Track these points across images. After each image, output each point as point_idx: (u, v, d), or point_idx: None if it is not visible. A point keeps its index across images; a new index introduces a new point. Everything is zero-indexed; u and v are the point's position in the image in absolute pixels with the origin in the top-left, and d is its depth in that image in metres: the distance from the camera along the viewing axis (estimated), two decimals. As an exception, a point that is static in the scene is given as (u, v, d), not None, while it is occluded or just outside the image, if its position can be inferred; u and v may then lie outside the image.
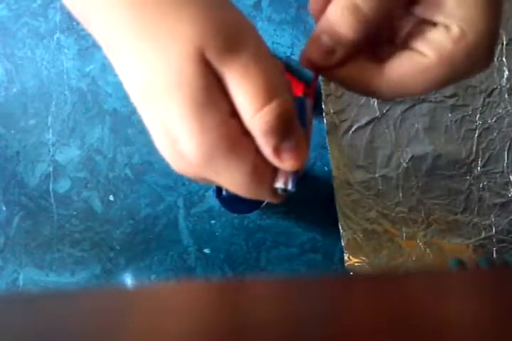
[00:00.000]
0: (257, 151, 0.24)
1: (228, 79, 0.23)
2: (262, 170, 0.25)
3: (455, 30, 0.23)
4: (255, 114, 0.23)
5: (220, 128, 0.23)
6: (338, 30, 0.24)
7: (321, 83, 0.59)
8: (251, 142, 0.24)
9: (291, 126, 0.23)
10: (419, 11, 0.25)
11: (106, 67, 0.63)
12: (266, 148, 0.24)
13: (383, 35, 0.27)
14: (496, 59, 0.56)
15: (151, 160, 0.64)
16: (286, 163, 0.24)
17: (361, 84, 0.25)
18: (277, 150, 0.24)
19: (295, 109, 0.24)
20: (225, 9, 0.23)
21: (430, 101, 0.58)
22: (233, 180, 0.25)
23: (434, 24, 0.24)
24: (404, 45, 0.25)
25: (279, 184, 0.25)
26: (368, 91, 0.26)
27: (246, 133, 0.24)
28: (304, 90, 0.59)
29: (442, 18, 0.24)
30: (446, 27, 0.24)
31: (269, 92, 0.22)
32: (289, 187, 0.25)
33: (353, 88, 0.26)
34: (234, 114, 0.23)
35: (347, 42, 0.24)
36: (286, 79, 0.24)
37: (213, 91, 0.23)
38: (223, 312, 0.16)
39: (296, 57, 0.61)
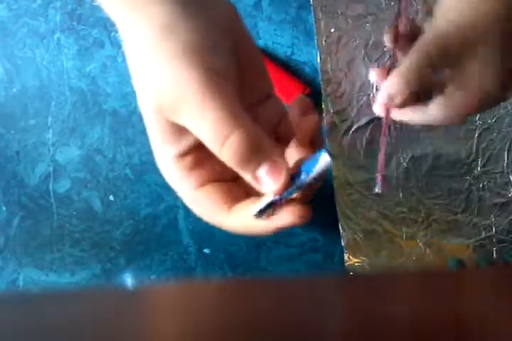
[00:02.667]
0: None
1: (190, 129, 0.25)
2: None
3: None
4: (219, 153, 0.24)
5: (168, 166, 0.27)
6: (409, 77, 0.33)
7: (321, 83, 0.59)
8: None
9: (258, 153, 0.24)
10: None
11: (106, 67, 0.63)
12: (245, 177, 0.25)
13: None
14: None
15: (151, 160, 0.64)
16: (266, 188, 0.25)
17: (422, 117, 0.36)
18: (255, 178, 0.25)
19: (258, 134, 0.25)
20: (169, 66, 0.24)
21: (430, 101, 0.58)
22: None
23: None
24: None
25: (255, 211, 0.25)
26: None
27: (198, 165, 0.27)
28: (303, 91, 0.59)
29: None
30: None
31: (221, 132, 0.24)
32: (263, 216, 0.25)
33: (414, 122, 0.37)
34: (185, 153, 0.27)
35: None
36: (241, 110, 0.25)
37: (166, 134, 0.26)
38: (223, 312, 0.16)
39: (296, 57, 0.61)
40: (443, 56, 0.32)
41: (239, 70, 0.26)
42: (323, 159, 0.25)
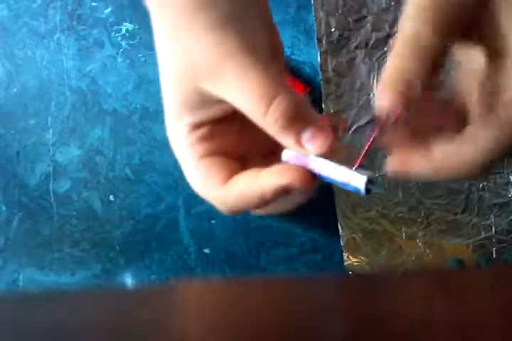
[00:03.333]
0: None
1: (230, 100, 0.24)
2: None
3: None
4: (264, 119, 0.24)
5: (179, 132, 0.27)
6: (409, 66, 0.24)
7: (322, 83, 0.59)
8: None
9: (303, 117, 0.24)
10: (471, 41, 0.24)
11: (106, 67, 0.63)
12: (289, 145, 0.24)
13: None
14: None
15: (151, 160, 0.64)
16: (312, 152, 0.24)
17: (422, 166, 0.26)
18: (300, 144, 0.24)
19: (301, 99, 0.24)
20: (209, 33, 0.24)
21: (430, 101, 0.58)
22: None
23: (504, 53, 0.23)
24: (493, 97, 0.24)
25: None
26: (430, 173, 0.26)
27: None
28: (304, 90, 0.59)
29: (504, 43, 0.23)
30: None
31: (266, 94, 0.24)
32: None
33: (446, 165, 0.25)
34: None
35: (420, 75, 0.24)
36: (282, 76, 0.25)
37: (188, 102, 0.26)
38: (223, 312, 0.16)
39: (296, 57, 0.61)
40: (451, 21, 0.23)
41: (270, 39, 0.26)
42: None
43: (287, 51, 0.61)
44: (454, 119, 0.26)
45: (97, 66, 0.64)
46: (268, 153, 0.28)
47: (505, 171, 0.58)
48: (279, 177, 0.24)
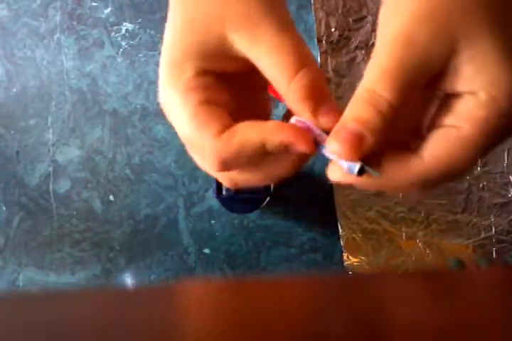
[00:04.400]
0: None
1: (255, 58, 0.24)
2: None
3: (482, 95, 0.23)
4: (290, 82, 0.24)
5: (180, 77, 0.25)
6: (363, 115, 0.24)
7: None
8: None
9: (324, 92, 0.25)
10: (441, 86, 0.24)
11: (106, 67, 0.63)
12: (304, 112, 0.25)
13: (410, 126, 0.26)
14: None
15: (151, 160, 0.64)
16: (324, 125, 0.25)
17: (400, 178, 0.25)
18: (315, 113, 0.24)
19: (322, 75, 0.25)
20: None
21: (430, 102, 0.58)
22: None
23: (459, 95, 0.23)
24: (433, 126, 0.25)
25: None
26: (409, 184, 0.25)
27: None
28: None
29: (466, 87, 0.23)
30: (473, 94, 0.23)
31: (298, 60, 0.24)
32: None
33: (393, 184, 0.25)
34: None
35: (374, 126, 0.23)
36: (309, 50, 0.25)
37: (197, 51, 0.25)
38: (223, 312, 0.16)
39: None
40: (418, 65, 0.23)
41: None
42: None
43: (287, 51, 0.61)
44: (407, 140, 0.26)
45: (97, 66, 0.64)
46: (258, 116, 0.27)
47: (505, 171, 0.58)
48: (285, 134, 0.24)
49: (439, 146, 0.24)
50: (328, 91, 0.25)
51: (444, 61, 0.23)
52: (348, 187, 0.60)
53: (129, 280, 0.65)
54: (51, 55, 0.64)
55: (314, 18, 0.58)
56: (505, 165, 0.57)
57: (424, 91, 0.25)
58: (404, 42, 0.23)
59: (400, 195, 0.59)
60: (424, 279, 0.19)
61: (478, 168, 0.58)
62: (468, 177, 0.58)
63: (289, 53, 0.24)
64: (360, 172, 0.24)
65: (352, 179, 0.25)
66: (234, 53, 0.25)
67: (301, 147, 0.24)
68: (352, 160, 0.24)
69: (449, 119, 0.24)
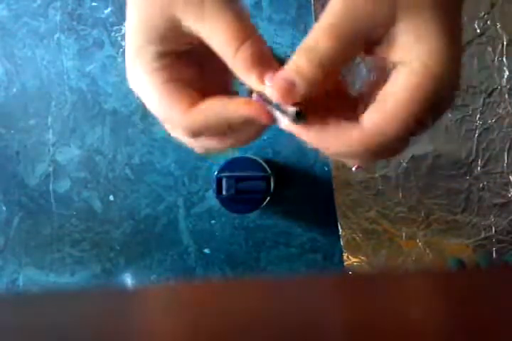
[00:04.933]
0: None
1: (203, 35, 0.27)
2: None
3: (416, 63, 0.24)
4: (235, 55, 0.26)
5: (144, 58, 0.28)
6: (296, 63, 0.26)
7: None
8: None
9: (267, 61, 0.27)
10: (382, 53, 0.26)
11: (106, 67, 0.63)
12: (251, 80, 0.27)
13: (349, 99, 0.29)
14: (496, 59, 0.56)
15: (151, 160, 0.64)
16: (269, 93, 0.26)
17: (341, 143, 0.26)
18: (261, 80, 0.27)
19: (267, 47, 0.28)
20: None
21: (430, 101, 0.58)
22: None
23: (398, 64, 0.25)
24: (372, 94, 0.26)
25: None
26: (349, 151, 0.26)
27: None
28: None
29: (403, 56, 0.25)
30: (408, 63, 0.25)
31: (241, 34, 0.26)
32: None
33: (335, 148, 0.27)
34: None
35: (306, 74, 0.25)
36: (252, 24, 0.27)
37: (158, 32, 0.27)
38: (223, 312, 0.16)
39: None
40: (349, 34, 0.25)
41: None
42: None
43: (287, 51, 0.61)
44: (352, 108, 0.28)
45: (97, 66, 0.64)
46: (222, 91, 0.30)
47: (505, 171, 0.58)
48: (247, 109, 0.27)
49: (376, 114, 0.25)
50: (272, 59, 0.27)
51: (383, 29, 0.25)
52: (349, 187, 0.60)
53: (129, 280, 0.65)
54: (51, 55, 0.64)
55: (314, 17, 0.58)
56: (505, 165, 0.57)
57: (372, 62, 0.28)
58: (345, 4, 0.25)
59: (400, 194, 0.59)
60: (424, 279, 0.19)
61: (479, 168, 0.58)
62: (468, 177, 0.58)
63: (232, 28, 0.26)
64: (297, 118, 0.26)
65: (293, 128, 0.27)
66: (186, 33, 0.27)
67: (261, 120, 0.26)
68: (285, 103, 0.26)
69: (387, 87, 0.25)
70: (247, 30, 0.26)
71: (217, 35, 0.27)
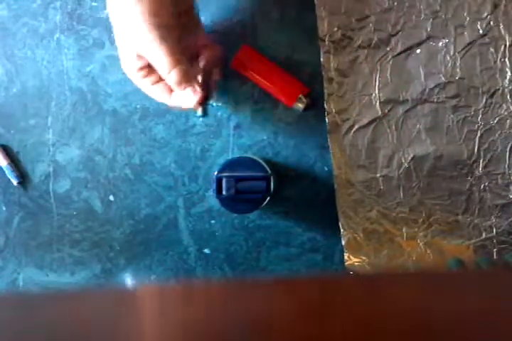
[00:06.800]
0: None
1: (150, 60, 0.47)
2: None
3: None
4: (167, 76, 0.47)
5: (136, 70, 0.51)
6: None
7: (323, 82, 0.58)
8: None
9: (189, 80, 0.47)
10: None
11: (106, 67, 0.63)
12: (178, 90, 0.48)
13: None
14: (498, 60, 0.56)
15: (151, 160, 0.64)
16: (190, 98, 0.48)
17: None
18: (185, 93, 0.48)
19: (189, 70, 0.47)
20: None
21: (432, 102, 0.58)
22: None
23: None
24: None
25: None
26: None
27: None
28: (302, 89, 0.59)
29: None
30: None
31: (170, 64, 0.45)
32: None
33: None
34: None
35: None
36: (181, 55, 0.46)
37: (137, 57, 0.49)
38: (223, 312, 0.16)
39: (296, 57, 0.61)
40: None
41: (180, 24, 0.47)
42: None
43: (287, 51, 0.60)
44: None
45: (97, 66, 0.64)
46: (193, 57, 0.52)
47: (507, 172, 0.57)
48: (192, 98, 0.48)
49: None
50: (193, 77, 0.49)
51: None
52: (350, 187, 0.60)
53: (129, 280, 0.65)
54: (51, 55, 0.64)
55: (317, 16, 0.58)
56: (506, 166, 0.57)
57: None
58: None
59: (401, 195, 0.59)
60: (424, 279, 0.19)
61: (480, 169, 0.58)
62: (469, 178, 0.58)
63: (164, 61, 0.45)
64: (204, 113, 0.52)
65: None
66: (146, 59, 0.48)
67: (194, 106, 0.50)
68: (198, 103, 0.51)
69: None
70: (175, 59, 0.45)
71: (155, 63, 0.46)
